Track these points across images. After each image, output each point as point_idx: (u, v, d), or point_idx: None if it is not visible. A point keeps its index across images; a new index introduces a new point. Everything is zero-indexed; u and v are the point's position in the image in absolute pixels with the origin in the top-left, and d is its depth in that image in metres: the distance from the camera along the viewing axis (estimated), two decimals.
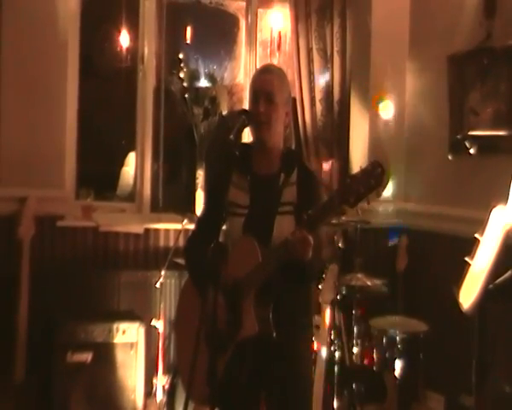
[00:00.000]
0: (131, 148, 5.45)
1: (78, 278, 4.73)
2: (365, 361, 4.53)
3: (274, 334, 2.85)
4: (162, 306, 4.66)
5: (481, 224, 3.12)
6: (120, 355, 4.46)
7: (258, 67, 5.38)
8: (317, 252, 2.88)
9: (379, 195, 2.68)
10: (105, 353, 4.43)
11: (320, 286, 4.27)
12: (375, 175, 2.66)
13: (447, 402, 4.75)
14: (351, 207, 2.74)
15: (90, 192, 5.22)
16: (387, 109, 5.29)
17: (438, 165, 5.03)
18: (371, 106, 5.28)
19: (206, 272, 2.75)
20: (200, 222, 3.21)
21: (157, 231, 5.03)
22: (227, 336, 2.87)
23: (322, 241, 3.07)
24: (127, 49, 5.81)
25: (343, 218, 4.59)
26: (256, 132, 3.01)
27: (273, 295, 2.87)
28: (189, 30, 6.13)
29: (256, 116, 2.95)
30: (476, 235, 3.14)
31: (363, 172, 2.68)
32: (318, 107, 5.23)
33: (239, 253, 2.92)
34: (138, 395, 4.51)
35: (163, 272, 4.60)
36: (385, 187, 2.71)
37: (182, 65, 5.83)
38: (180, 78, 5.78)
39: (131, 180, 5.45)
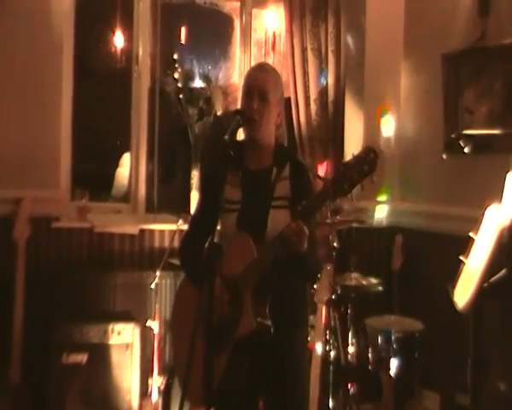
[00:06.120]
0: (126, 148, 5.44)
1: (73, 279, 4.72)
2: (360, 361, 4.54)
3: (272, 330, 2.85)
4: (157, 306, 4.66)
5: (476, 223, 3.13)
6: (116, 356, 4.46)
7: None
8: (313, 244, 2.88)
9: (372, 181, 2.67)
10: (100, 354, 4.43)
11: (315, 286, 4.27)
12: (368, 161, 2.66)
13: (443, 401, 4.75)
14: (345, 195, 2.73)
15: (85, 193, 5.21)
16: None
17: (432, 164, 5.04)
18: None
19: (201, 272, 2.76)
20: (195, 222, 3.21)
21: (152, 231, 5.02)
22: (224, 334, 2.87)
23: (316, 236, 3.07)
24: (122, 49, 5.80)
25: (338, 217, 4.60)
26: (248, 130, 3.00)
27: (270, 291, 2.87)
28: (183, 30, 6.12)
29: (248, 113, 2.95)
30: (471, 234, 3.15)
31: (356, 158, 2.68)
32: (313, 107, 5.22)
33: (234, 250, 2.93)
34: (134, 396, 4.50)
35: (158, 273, 4.59)
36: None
37: (176, 65, 5.82)
38: (175, 78, 5.77)
39: (126, 181, 5.44)
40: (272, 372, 2.99)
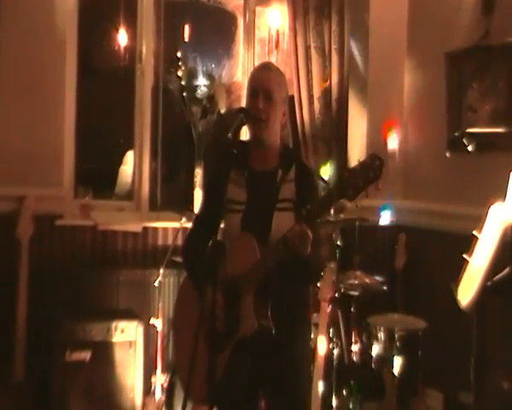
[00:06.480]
0: (130, 146, 5.44)
1: (76, 276, 4.72)
2: (363, 359, 4.53)
3: (273, 331, 2.85)
4: (161, 304, 4.66)
5: (480, 221, 3.13)
6: (119, 354, 4.46)
7: (256, 64, 5.37)
8: (316, 248, 2.88)
9: (377, 188, 2.67)
10: (104, 351, 4.42)
11: (319, 284, 4.27)
12: (373, 168, 2.66)
13: (446, 399, 4.75)
14: (349, 201, 2.73)
15: (88, 191, 5.21)
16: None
17: (436, 162, 5.03)
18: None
19: (204, 271, 2.76)
20: (198, 220, 3.21)
21: (155, 229, 5.02)
22: (226, 334, 2.87)
23: (320, 238, 3.07)
24: (125, 47, 5.81)
25: (341, 215, 4.60)
26: (253, 130, 3.00)
27: (272, 292, 2.87)
28: (187, 28, 6.12)
29: (254, 113, 2.94)
30: (474, 232, 3.14)
31: (362, 165, 2.68)
32: (316, 105, 5.22)
33: (237, 250, 2.93)
34: (137, 394, 4.50)
35: (161, 271, 4.60)
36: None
37: (180, 63, 5.83)
38: (178, 76, 5.78)
39: (130, 179, 5.44)
40: (274, 372, 2.99)
